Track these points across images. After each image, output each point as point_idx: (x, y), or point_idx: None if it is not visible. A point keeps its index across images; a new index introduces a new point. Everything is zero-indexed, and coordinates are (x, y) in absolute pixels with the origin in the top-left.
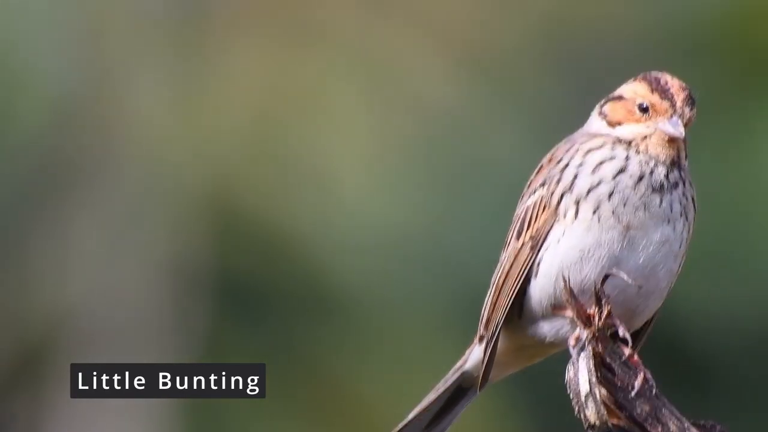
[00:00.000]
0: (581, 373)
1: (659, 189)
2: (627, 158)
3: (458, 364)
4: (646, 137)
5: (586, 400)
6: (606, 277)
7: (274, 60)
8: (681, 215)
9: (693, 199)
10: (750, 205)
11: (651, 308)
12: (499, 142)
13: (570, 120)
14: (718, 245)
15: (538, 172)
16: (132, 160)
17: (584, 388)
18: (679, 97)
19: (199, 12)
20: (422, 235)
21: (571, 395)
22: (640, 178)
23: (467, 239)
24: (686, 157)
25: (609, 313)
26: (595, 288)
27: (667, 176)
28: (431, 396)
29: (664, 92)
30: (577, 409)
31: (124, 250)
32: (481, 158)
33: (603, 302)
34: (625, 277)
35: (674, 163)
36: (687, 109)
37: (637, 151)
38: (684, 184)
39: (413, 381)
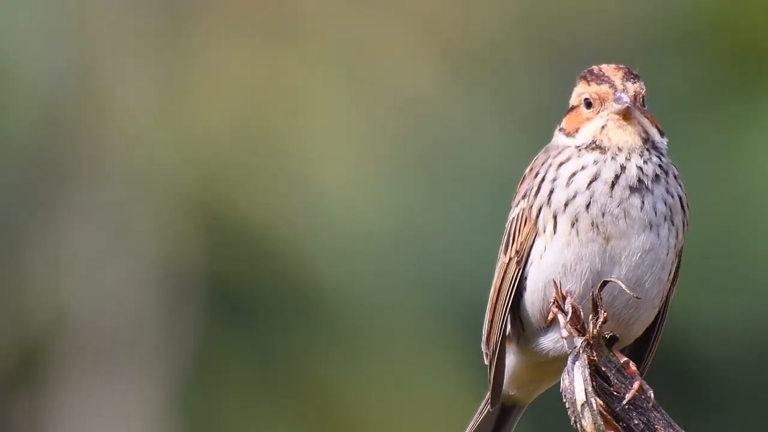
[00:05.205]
0: (576, 382)
1: (638, 187)
2: (596, 162)
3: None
4: (603, 128)
5: (582, 410)
6: (604, 283)
7: (260, 61)
8: (666, 219)
9: (681, 198)
10: (747, 212)
11: (643, 319)
12: (486, 142)
13: (558, 118)
14: (714, 254)
15: (521, 182)
16: (121, 164)
17: (580, 397)
18: (617, 76)
19: (186, 13)
20: (409, 237)
21: (567, 404)
22: (616, 179)
23: (454, 241)
24: (662, 134)
25: (605, 320)
26: (592, 294)
27: (642, 168)
28: (477, 418)
29: (600, 79)
30: (573, 419)
31: (115, 253)
32: (467, 158)
33: (599, 309)
34: (623, 285)
35: (646, 142)
36: (629, 84)
37: (603, 151)
38: (667, 175)
39: (401, 383)
